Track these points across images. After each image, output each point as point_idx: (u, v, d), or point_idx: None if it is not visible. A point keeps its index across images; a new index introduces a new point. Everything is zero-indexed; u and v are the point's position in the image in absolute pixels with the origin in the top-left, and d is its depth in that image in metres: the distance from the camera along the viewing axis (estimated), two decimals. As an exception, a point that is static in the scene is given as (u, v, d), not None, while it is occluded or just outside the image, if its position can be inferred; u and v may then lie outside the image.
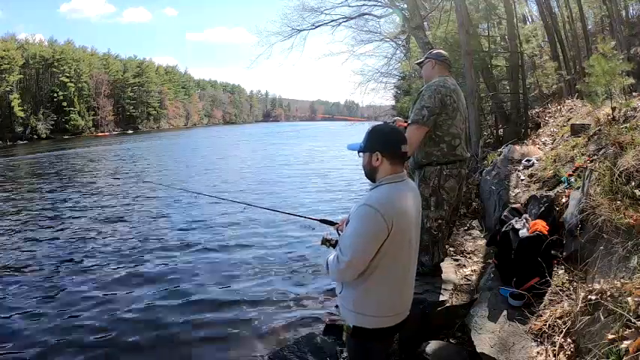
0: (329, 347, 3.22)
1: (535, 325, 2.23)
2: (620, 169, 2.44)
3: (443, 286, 3.01)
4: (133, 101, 61.46)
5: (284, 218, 7.33)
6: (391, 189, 1.65)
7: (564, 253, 2.70)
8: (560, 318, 2.16)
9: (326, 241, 1.89)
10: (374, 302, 1.67)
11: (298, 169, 14.75)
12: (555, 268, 2.63)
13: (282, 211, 2.74)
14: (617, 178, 2.42)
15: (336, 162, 16.82)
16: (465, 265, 3.39)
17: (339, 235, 1.87)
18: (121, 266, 5.21)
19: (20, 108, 43.36)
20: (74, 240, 6.38)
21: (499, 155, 5.28)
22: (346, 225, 1.70)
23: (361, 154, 1.75)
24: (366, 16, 14.16)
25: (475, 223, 4.37)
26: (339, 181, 11.77)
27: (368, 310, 1.68)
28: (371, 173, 1.71)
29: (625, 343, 1.55)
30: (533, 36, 8.30)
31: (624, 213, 2.19)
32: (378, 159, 1.67)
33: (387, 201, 1.60)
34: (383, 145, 1.69)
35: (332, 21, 13.19)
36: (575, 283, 2.36)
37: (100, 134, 50.45)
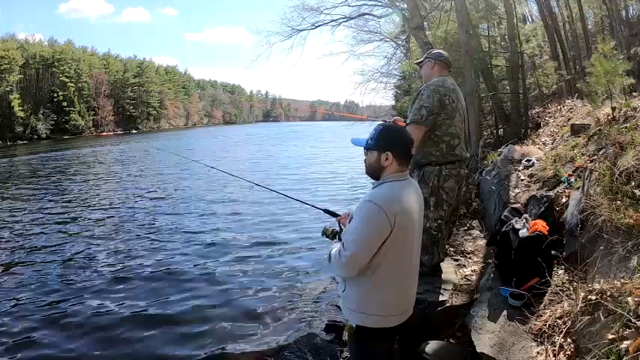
0: (329, 347, 3.22)
1: (535, 325, 2.23)
2: (620, 169, 2.44)
3: (443, 286, 3.01)
4: (133, 101, 61.32)
5: (285, 214, 7.36)
6: (395, 187, 1.65)
7: (564, 253, 2.70)
8: (560, 318, 2.16)
9: (326, 230, 1.90)
10: (377, 301, 1.67)
11: (303, 171, 14.69)
12: (555, 268, 2.63)
13: (287, 195, 2.74)
14: (617, 178, 2.42)
15: (340, 163, 16.79)
16: (465, 265, 3.39)
17: (340, 228, 1.86)
18: (118, 262, 5.22)
19: (20, 108, 43.29)
20: (75, 243, 6.39)
21: (499, 155, 5.28)
22: (349, 220, 1.69)
23: (366, 150, 1.74)
24: (366, 16, 14.21)
25: (475, 223, 4.37)
26: (344, 184, 11.73)
27: (371, 310, 1.67)
28: (377, 171, 1.71)
29: (625, 343, 1.55)
30: (533, 36, 8.30)
31: (624, 213, 2.19)
32: (387, 158, 1.66)
33: (390, 198, 1.61)
34: (395, 145, 1.68)
35: (332, 21, 13.22)
36: (575, 283, 2.35)
37: (102, 134, 50.33)
